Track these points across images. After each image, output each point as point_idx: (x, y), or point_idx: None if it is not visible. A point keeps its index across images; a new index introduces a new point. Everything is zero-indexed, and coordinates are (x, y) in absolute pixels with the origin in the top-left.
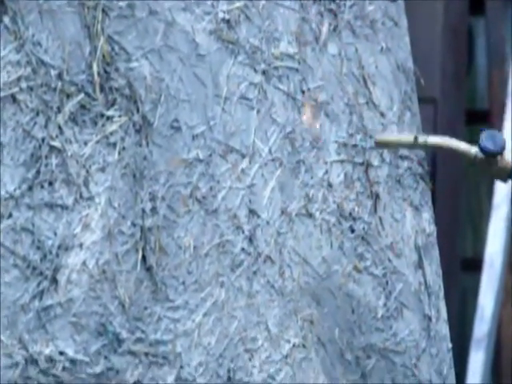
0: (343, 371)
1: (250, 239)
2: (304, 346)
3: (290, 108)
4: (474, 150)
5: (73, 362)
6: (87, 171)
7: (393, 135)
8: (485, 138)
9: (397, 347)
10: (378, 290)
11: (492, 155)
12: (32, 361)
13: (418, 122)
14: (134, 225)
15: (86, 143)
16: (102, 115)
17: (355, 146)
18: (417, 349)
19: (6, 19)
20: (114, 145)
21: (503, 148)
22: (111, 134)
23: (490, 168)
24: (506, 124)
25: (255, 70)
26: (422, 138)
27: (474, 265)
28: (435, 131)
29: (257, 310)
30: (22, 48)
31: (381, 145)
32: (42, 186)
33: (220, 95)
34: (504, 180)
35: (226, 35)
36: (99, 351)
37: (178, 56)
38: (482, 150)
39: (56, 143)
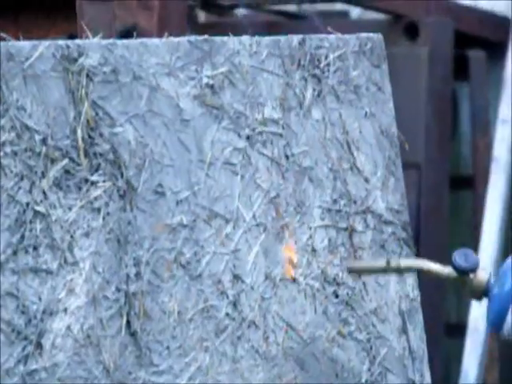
0: None
1: (235, 304)
2: None
3: (275, 173)
4: (447, 270)
5: None
6: (71, 236)
7: (365, 262)
8: (457, 256)
9: None
10: (362, 354)
11: (465, 273)
12: None
13: (402, 188)
14: (118, 290)
15: (70, 208)
16: (87, 180)
17: (339, 211)
18: None
19: None
20: (99, 210)
21: (476, 266)
22: (95, 199)
23: (464, 286)
24: (491, 190)
25: (239, 136)
26: (394, 262)
27: (457, 330)
28: (419, 196)
29: (241, 375)
30: (7, 113)
31: (353, 271)
32: (27, 251)
33: (204, 160)
34: (478, 298)
35: (210, 100)
36: None
37: (162, 121)
38: (454, 268)
39: (40, 208)
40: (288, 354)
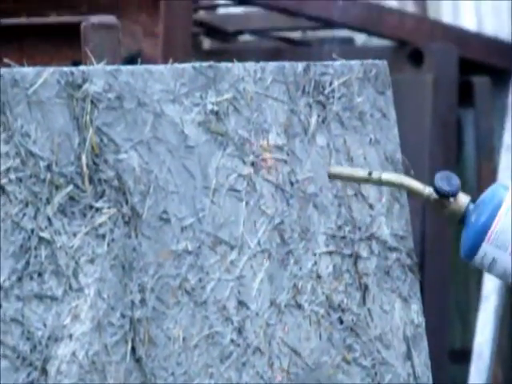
0: None
1: (239, 330)
2: None
3: (279, 199)
4: (427, 190)
5: None
6: (76, 262)
7: (347, 169)
8: (440, 178)
9: None
10: (367, 380)
11: (446, 196)
12: None
13: (406, 214)
14: (123, 316)
15: (75, 235)
16: (91, 207)
17: (344, 237)
18: None
19: None
20: (103, 236)
21: (458, 190)
22: (100, 225)
23: (443, 209)
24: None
25: (244, 162)
26: (375, 174)
27: (462, 356)
28: (424, 222)
29: None
30: (11, 139)
31: (334, 177)
32: (32, 277)
33: (209, 187)
34: (456, 222)
35: (215, 127)
36: None
37: (166, 147)
38: (436, 190)
39: (45, 234)
40: (293, 381)
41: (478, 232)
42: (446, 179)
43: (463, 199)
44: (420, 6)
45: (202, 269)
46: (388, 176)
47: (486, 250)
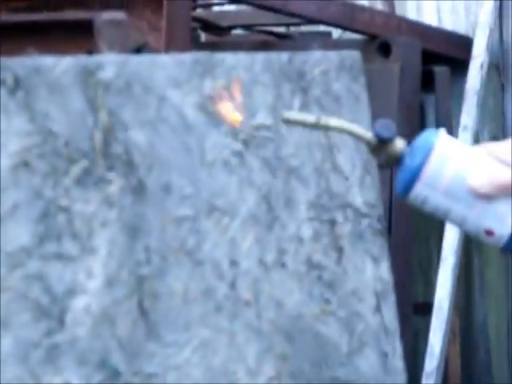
0: None
1: (232, 286)
2: (278, 378)
3: (266, 172)
4: (368, 135)
5: None
6: (90, 227)
7: (299, 114)
8: (378, 124)
9: (359, 380)
10: (343, 330)
11: (384, 141)
12: None
13: (377, 185)
14: (131, 273)
15: (89, 202)
16: (103, 178)
17: (322, 205)
18: (376, 381)
19: (21, 94)
20: (114, 204)
21: (394, 135)
22: (111, 194)
23: (381, 153)
24: None
25: (236, 139)
26: (324, 120)
27: (424, 308)
28: (391, 193)
29: (237, 348)
30: (34, 119)
31: (287, 122)
32: (51, 240)
33: (205, 161)
34: (393, 165)
35: (211, 109)
36: (101, 383)
37: (169, 127)
38: (375, 135)
39: (63, 202)
40: (278, 329)
41: (412, 173)
42: (384, 126)
43: (400, 144)
44: (388, 4)
45: (200, 232)
46: (335, 122)
47: (419, 189)
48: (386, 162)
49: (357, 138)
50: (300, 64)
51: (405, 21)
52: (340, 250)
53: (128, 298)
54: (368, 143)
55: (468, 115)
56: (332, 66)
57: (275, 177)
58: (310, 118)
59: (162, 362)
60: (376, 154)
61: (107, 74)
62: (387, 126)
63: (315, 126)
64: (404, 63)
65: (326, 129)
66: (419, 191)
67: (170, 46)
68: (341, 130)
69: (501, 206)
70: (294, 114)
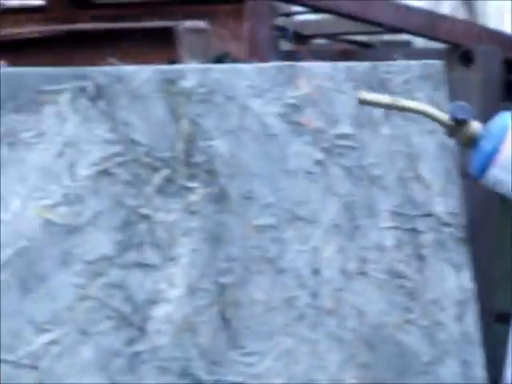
0: None
1: (314, 295)
2: None
3: (348, 181)
4: (444, 116)
5: None
6: (172, 235)
7: (376, 95)
8: (455, 107)
9: None
10: (424, 339)
11: (460, 123)
12: None
13: (459, 194)
14: (212, 282)
15: (171, 211)
16: (185, 187)
17: (404, 214)
18: None
19: (102, 103)
20: (196, 212)
21: (470, 117)
22: (193, 203)
23: (458, 134)
24: None
25: (318, 148)
26: (400, 101)
27: (506, 317)
28: (475, 203)
29: (319, 357)
30: (115, 128)
31: (364, 102)
32: (133, 248)
33: (287, 170)
34: (469, 146)
35: (293, 118)
36: None
37: (250, 136)
38: (451, 116)
39: (145, 211)
40: (360, 338)
41: (487, 156)
42: (460, 108)
43: (475, 126)
44: (469, 12)
45: (281, 241)
46: (411, 104)
47: (494, 171)
48: (464, 143)
49: (433, 119)
50: (382, 73)
51: (485, 29)
52: (422, 259)
53: (209, 306)
54: (444, 124)
55: None
56: (414, 75)
57: (357, 186)
58: (386, 98)
59: (244, 371)
60: (452, 136)
61: (189, 83)
62: (463, 108)
63: (392, 107)
64: (485, 72)
65: (404, 110)
66: (494, 174)
67: (252, 55)
68: (417, 111)
69: None
70: (371, 95)
